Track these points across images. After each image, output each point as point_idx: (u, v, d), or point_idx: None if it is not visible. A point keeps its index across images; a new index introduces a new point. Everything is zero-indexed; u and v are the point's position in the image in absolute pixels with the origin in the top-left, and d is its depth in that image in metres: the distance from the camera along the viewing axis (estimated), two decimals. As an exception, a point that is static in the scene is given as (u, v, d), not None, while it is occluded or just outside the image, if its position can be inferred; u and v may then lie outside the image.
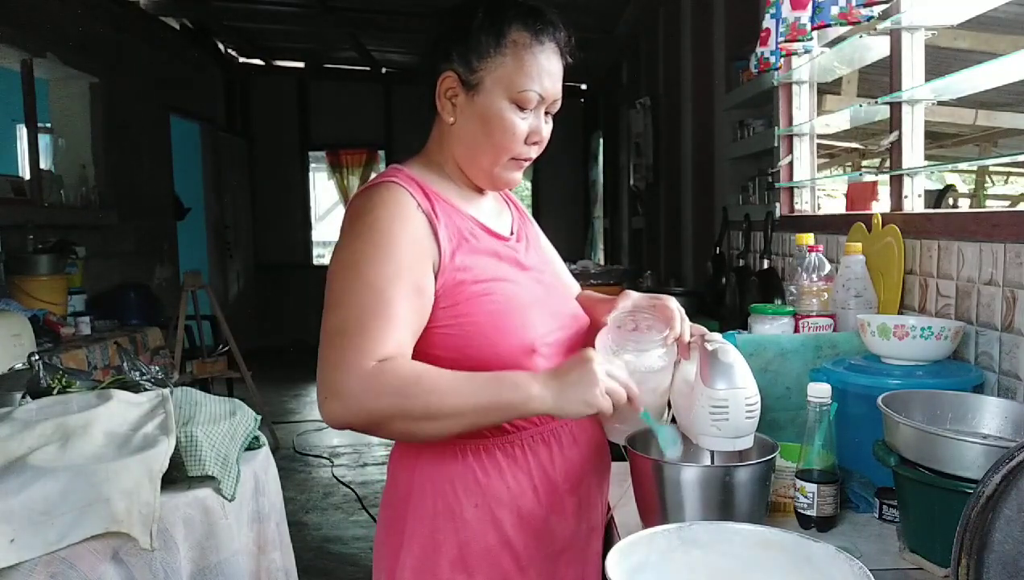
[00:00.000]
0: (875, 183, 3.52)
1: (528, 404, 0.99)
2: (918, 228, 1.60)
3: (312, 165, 8.78)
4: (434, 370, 1.02)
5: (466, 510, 1.11)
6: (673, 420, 1.19)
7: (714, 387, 1.03)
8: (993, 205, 6.53)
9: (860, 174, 4.58)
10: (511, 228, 1.24)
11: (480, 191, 1.21)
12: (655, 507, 1.12)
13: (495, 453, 1.12)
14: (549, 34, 1.12)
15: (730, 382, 1.03)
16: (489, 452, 1.12)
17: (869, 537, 1.15)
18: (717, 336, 1.12)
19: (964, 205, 5.85)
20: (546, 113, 1.15)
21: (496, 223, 1.21)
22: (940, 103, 1.94)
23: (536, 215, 9.15)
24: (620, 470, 1.28)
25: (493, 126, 1.10)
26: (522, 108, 1.10)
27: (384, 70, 8.40)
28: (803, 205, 2.57)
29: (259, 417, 1.90)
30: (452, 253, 1.09)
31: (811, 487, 1.14)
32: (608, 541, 1.25)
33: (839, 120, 2.45)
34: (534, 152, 1.16)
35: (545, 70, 1.11)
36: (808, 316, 1.64)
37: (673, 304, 1.13)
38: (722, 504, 1.07)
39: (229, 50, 7.86)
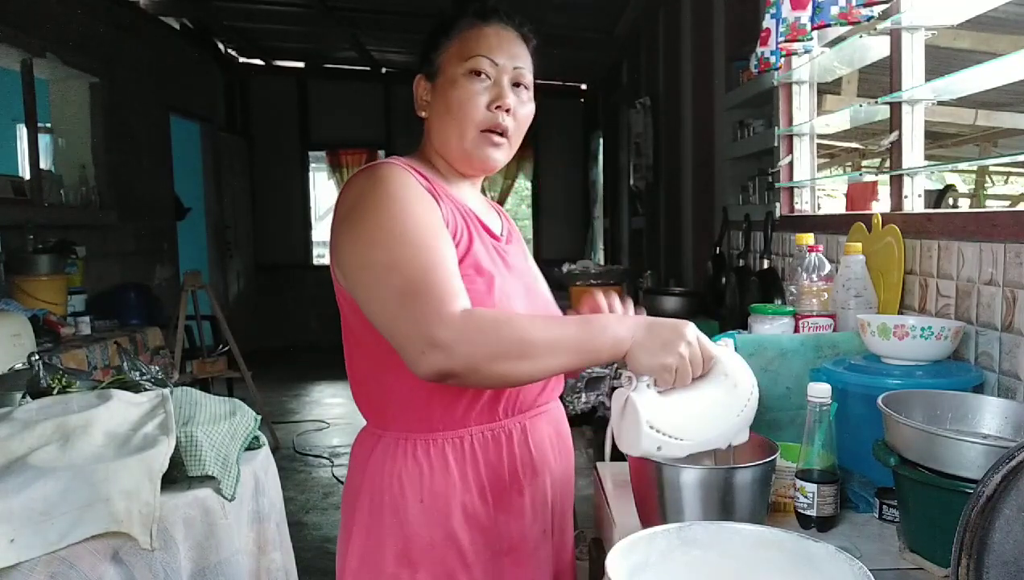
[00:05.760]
0: (875, 183, 3.52)
1: (616, 348, 1.00)
2: (918, 228, 1.60)
3: (312, 165, 8.77)
4: (520, 314, 1.07)
5: (411, 505, 1.13)
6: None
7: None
8: (993, 205, 6.52)
9: (860, 174, 4.58)
10: (501, 231, 1.28)
11: (471, 184, 1.26)
12: (654, 509, 1.11)
13: (444, 448, 1.14)
14: (496, 17, 1.19)
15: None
16: (437, 447, 1.14)
17: (869, 537, 1.15)
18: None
19: (964, 205, 5.85)
20: (517, 86, 1.18)
21: (487, 220, 1.25)
22: (940, 103, 1.93)
23: (536, 215, 9.05)
24: (621, 471, 1.28)
25: (451, 97, 1.15)
26: (477, 74, 1.15)
27: (384, 70, 8.39)
28: (803, 205, 2.57)
29: (259, 417, 1.90)
30: (455, 231, 1.12)
31: (811, 487, 1.14)
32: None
33: (839, 120, 2.45)
34: (507, 122, 1.16)
35: (493, 43, 1.16)
36: (808, 316, 1.64)
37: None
38: (722, 506, 1.06)
39: (229, 50, 7.86)
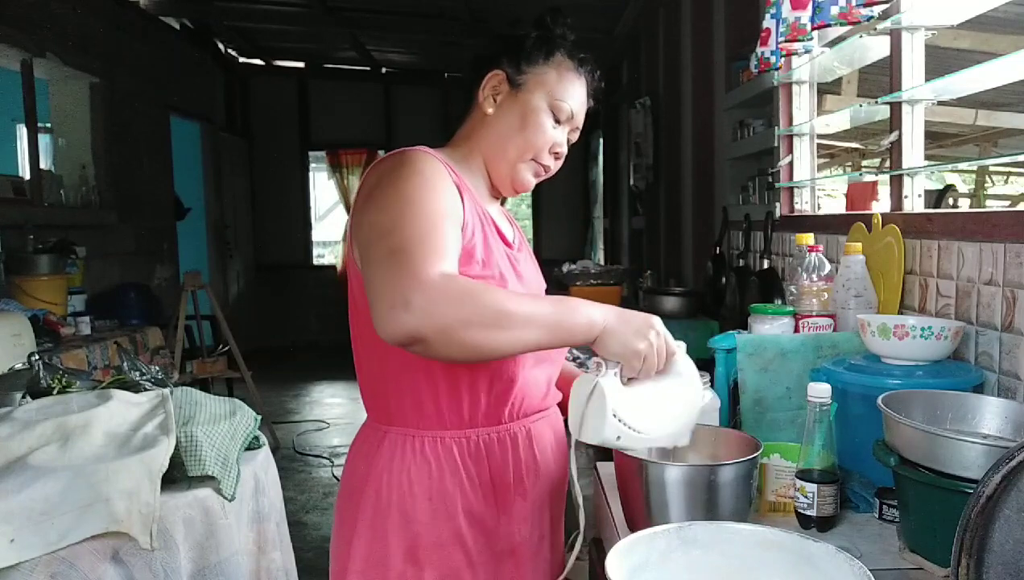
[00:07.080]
0: (875, 183, 3.52)
1: (589, 329, 1.02)
2: (918, 228, 1.60)
3: (312, 165, 8.77)
4: (497, 287, 1.08)
5: (419, 503, 1.13)
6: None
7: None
8: (993, 205, 6.53)
9: (860, 174, 4.58)
10: (513, 238, 1.29)
11: (494, 196, 1.28)
12: (640, 507, 1.12)
13: (452, 448, 1.14)
14: (587, 69, 1.25)
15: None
16: (446, 446, 1.14)
17: (869, 537, 1.15)
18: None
19: (964, 205, 5.85)
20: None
21: (501, 225, 1.26)
22: (940, 103, 1.93)
23: (536, 215, 9.04)
24: (613, 471, 1.28)
25: (528, 120, 1.20)
26: (555, 117, 1.21)
27: (384, 70, 8.40)
28: (803, 205, 2.57)
29: (259, 417, 1.90)
30: (472, 231, 1.13)
31: (811, 487, 1.14)
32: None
33: (839, 120, 2.44)
34: (553, 164, 1.25)
35: (577, 96, 1.24)
36: (808, 316, 1.64)
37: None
38: (706, 503, 1.07)
39: (229, 50, 7.86)
